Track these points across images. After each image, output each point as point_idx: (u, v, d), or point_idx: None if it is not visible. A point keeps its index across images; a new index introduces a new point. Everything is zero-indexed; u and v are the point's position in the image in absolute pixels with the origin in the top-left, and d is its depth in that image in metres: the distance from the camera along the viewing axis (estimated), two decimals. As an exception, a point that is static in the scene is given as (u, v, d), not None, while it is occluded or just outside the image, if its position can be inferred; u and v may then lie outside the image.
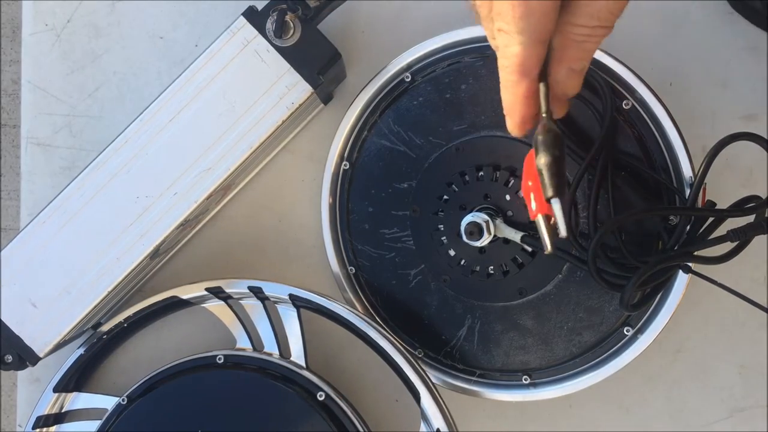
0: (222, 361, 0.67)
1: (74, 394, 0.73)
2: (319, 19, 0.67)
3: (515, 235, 0.65)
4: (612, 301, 0.67)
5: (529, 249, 0.67)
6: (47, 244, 0.67)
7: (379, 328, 0.66)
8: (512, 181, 0.67)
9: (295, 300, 0.68)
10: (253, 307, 0.70)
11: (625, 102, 0.66)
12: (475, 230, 0.64)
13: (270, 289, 0.68)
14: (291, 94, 0.67)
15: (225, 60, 0.66)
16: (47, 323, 0.67)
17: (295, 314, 0.68)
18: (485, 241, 0.65)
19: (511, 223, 0.66)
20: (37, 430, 0.71)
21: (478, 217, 0.65)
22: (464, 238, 0.65)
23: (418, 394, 0.64)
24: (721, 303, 0.71)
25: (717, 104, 0.71)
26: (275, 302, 0.69)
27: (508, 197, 0.67)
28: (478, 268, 0.68)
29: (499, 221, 0.66)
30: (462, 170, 0.68)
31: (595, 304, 0.67)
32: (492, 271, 0.68)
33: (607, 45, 0.66)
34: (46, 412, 0.71)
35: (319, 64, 0.66)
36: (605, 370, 0.66)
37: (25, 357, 0.67)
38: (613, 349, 0.67)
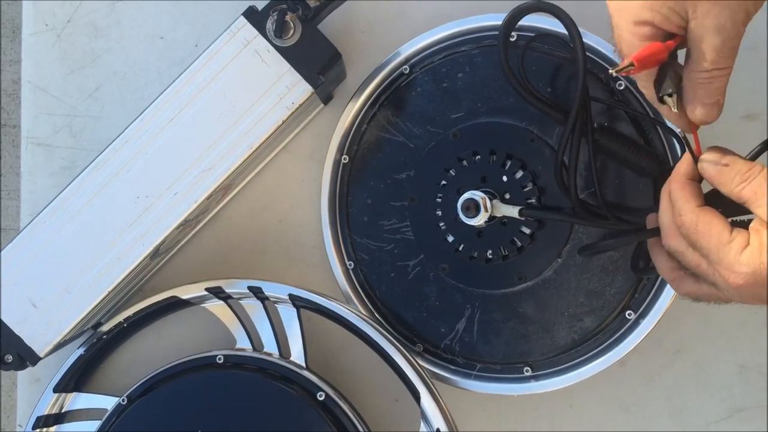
0: (222, 361, 0.67)
1: (74, 394, 0.72)
2: (319, 19, 0.67)
3: (513, 210, 0.65)
4: (612, 284, 0.66)
5: (528, 231, 0.67)
6: (47, 244, 0.67)
7: (379, 328, 0.66)
8: (509, 163, 0.67)
9: (294, 300, 0.68)
10: (253, 307, 0.70)
11: (618, 83, 0.66)
12: (472, 205, 0.64)
13: (270, 288, 0.68)
14: (291, 94, 0.67)
15: (225, 60, 0.66)
16: (47, 323, 0.66)
17: (295, 314, 0.68)
18: (482, 219, 0.65)
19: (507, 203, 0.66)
20: (37, 430, 0.71)
21: (475, 194, 0.65)
22: (461, 215, 0.65)
23: (418, 393, 0.64)
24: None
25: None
26: (275, 302, 0.69)
27: (505, 178, 0.67)
28: (476, 254, 0.68)
29: (496, 201, 0.66)
30: (459, 156, 0.68)
31: (596, 288, 0.66)
32: (490, 256, 0.68)
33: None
34: (46, 412, 0.71)
35: (320, 64, 0.66)
36: (609, 357, 0.66)
37: (25, 357, 0.66)
38: (616, 335, 0.66)
